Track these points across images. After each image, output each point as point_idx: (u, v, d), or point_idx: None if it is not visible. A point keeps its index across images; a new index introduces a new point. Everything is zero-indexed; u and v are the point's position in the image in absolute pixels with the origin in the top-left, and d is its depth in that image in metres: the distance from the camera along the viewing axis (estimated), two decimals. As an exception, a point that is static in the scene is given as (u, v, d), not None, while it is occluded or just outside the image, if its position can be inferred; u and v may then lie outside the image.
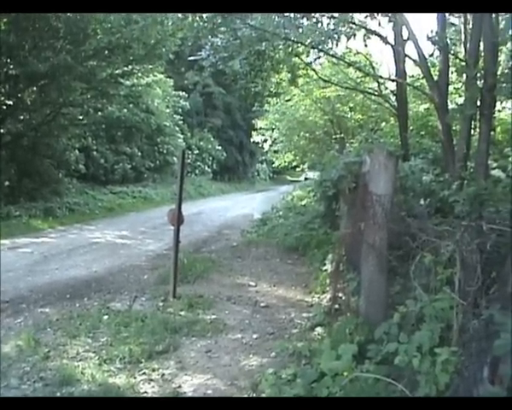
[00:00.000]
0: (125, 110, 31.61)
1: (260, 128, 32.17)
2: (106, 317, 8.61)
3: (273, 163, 39.18)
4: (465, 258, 4.43)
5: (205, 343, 7.62)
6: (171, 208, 10.34)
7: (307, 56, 19.53)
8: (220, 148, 50.37)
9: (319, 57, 19.71)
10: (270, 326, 8.48)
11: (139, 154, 35.23)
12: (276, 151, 33.21)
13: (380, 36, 15.81)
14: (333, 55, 18.45)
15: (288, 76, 21.03)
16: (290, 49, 17.09)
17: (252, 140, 38.04)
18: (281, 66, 19.50)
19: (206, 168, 48.72)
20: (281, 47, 16.77)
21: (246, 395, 5.89)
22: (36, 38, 19.32)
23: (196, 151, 46.95)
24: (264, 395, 5.73)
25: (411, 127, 19.63)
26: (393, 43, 15.88)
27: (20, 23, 18.39)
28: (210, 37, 15.33)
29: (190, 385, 6.29)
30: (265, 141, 32.79)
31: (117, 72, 22.49)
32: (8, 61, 19.58)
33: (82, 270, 12.58)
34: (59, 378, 6.26)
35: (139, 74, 25.24)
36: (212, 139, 49.73)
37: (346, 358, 5.28)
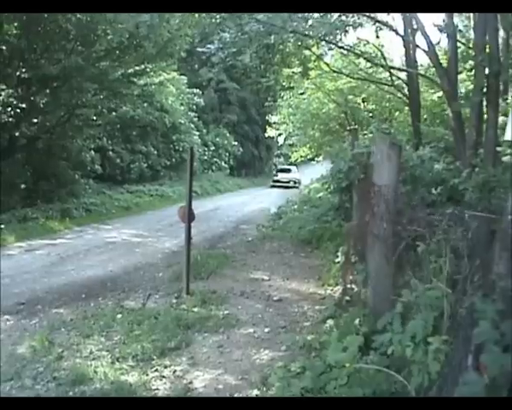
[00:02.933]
0: (139, 109, 31.68)
1: (274, 122, 32.20)
2: (119, 315, 8.66)
3: (289, 157, 39.12)
4: (453, 246, 4.43)
5: (217, 339, 7.67)
6: (181, 206, 10.36)
7: (318, 49, 19.52)
8: (236, 143, 50.42)
9: (331, 49, 19.70)
10: (282, 320, 8.51)
11: (155, 152, 35.32)
12: (291, 145, 33.20)
13: (390, 27, 15.79)
14: (342, 47, 18.43)
15: (299, 69, 20.98)
16: (300, 42, 17.08)
17: (266, 135, 38.09)
18: (291, 59, 19.48)
19: (223, 164, 48.79)
20: (290, 40, 16.75)
21: (256, 390, 5.92)
22: (47, 40, 19.39)
23: (212, 147, 47.01)
24: (273, 389, 5.76)
25: (425, 116, 19.56)
26: (403, 33, 15.84)
27: (31, 26, 18.47)
28: (218, 32, 15.36)
29: (201, 381, 6.34)
30: (280, 135, 32.81)
31: (129, 71, 22.50)
32: (21, 64, 19.70)
33: (98, 270, 12.64)
34: (72, 378, 6.32)
35: (151, 73, 25.25)
36: (227, 135, 49.76)
37: (352, 349, 5.29)
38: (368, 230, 6.34)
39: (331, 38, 15.53)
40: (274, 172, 54.88)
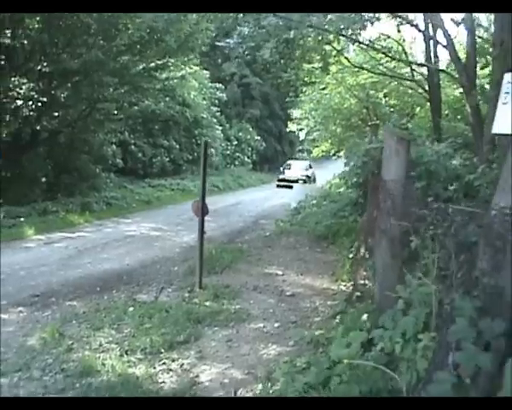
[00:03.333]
0: (161, 104, 31.78)
1: (296, 117, 32.19)
2: (131, 309, 8.70)
3: (311, 152, 39.05)
4: (441, 241, 4.39)
5: (226, 333, 7.67)
6: (195, 200, 10.34)
7: (338, 44, 19.42)
8: (259, 138, 50.45)
9: (353, 43, 19.57)
10: (293, 315, 8.49)
11: (177, 146, 35.45)
12: (312, 140, 33.15)
13: (410, 22, 15.68)
14: (361, 42, 18.31)
15: (319, 64, 20.90)
16: (320, 36, 17.00)
17: (288, 130, 38.12)
18: (311, 54, 19.40)
19: (246, 159, 48.85)
20: (310, 35, 16.69)
21: (260, 384, 5.91)
22: (68, 35, 19.48)
23: (235, 142, 47.12)
24: (278, 384, 5.75)
25: (446, 112, 19.41)
26: (423, 29, 15.73)
27: (53, 21, 18.56)
28: (236, 26, 15.35)
29: (208, 375, 6.35)
30: (301, 130, 32.76)
31: (150, 66, 22.54)
32: (42, 58, 19.83)
33: (114, 263, 12.70)
34: (79, 370, 6.36)
35: (173, 67, 25.31)
36: (250, 130, 49.81)
37: (355, 345, 5.25)
38: (376, 225, 6.30)
39: (350, 32, 15.46)
40: (281, 169, 45.58)
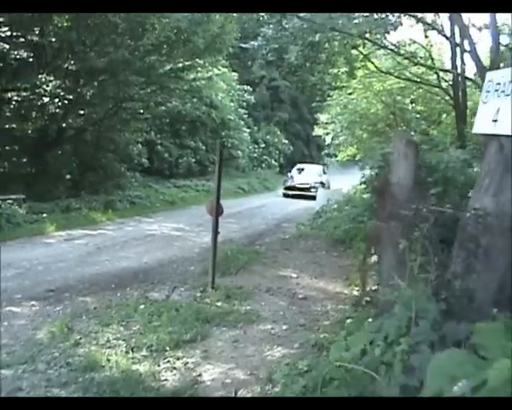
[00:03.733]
0: (188, 104, 31.92)
1: (322, 122, 32.17)
2: (142, 306, 8.73)
3: (336, 156, 38.79)
4: (422, 243, 4.35)
5: (234, 334, 7.67)
6: (210, 200, 10.38)
7: (364, 48, 19.33)
8: (287, 141, 50.37)
9: (379, 47, 19.46)
10: (303, 318, 8.47)
11: (203, 147, 35.57)
12: (338, 145, 33.04)
13: (434, 27, 15.57)
14: (384, 47, 18.23)
15: (345, 68, 20.85)
16: (346, 40, 16.96)
17: (314, 133, 38.06)
18: (337, 58, 19.36)
19: (273, 162, 48.82)
20: (336, 38, 16.66)
21: (261, 386, 5.90)
22: (96, 33, 19.66)
23: (263, 145, 47.13)
24: (278, 385, 5.73)
25: (473, 119, 19.23)
26: (449, 35, 15.63)
27: (81, 19, 18.75)
28: (260, 28, 15.38)
29: (211, 374, 6.35)
30: (328, 134, 32.69)
31: (177, 66, 22.66)
32: (69, 56, 20.03)
33: (132, 261, 12.78)
34: (84, 364, 6.40)
35: (199, 68, 25.40)
36: (278, 133, 49.77)
37: (354, 349, 5.21)
38: (383, 230, 6.25)
39: (375, 36, 15.40)
40: (288, 175, 38.30)
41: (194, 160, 34.41)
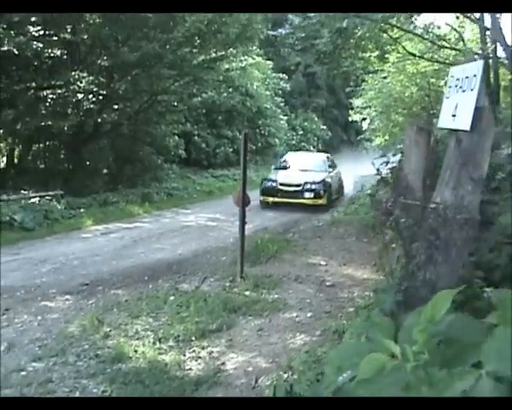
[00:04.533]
0: (224, 94, 32.09)
1: (357, 107, 32.02)
2: (172, 297, 8.91)
3: (372, 141, 38.42)
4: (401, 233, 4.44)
5: (259, 322, 7.82)
6: (237, 190, 10.53)
7: (392, 31, 19.19)
8: (325, 127, 50.19)
9: (407, 32, 19.29)
10: (328, 305, 8.57)
11: (240, 137, 35.54)
12: (374, 130, 32.87)
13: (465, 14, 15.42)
14: (409, 31, 18.10)
15: (376, 53, 20.74)
16: (374, 25, 16.91)
17: (350, 119, 37.87)
18: (367, 43, 19.28)
19: (311, 148, 48.66)
20: (364, 23, 16.60)
21: (281, 373, 6.04)
22: (128, 29, 19.90)
23: (301, 132, 47.03)
24: (296, 372, 5.88)
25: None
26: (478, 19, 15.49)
27: (112, 15, 18.99)
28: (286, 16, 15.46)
29: (234, 363, 6.52)
30: (364, 119, 32.55)
31: (209, 57, 22.83)
32: (102, 52, 20.37)
33: (167, 253, 12.99)
34: (112, 356, 6.61)
35: (232, 58, 25.54)
36: (316, 119, 49.60)
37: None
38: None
39: (402, 21, 15.32)
40: (272, 168, 25.60)
41: (231, 149, 34.50)
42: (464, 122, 3.48)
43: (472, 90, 3.54)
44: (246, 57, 29.15)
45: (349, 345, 1.92)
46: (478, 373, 1.40)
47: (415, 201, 5.16)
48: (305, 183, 21.11)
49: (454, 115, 3.76)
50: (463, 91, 3.71)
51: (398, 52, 21.99)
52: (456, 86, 3.91)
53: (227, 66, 26.28)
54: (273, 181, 21.67)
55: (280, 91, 41.85)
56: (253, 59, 32.99)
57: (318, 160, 24.75)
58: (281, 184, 21.30)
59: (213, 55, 22.98)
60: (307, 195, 20.99)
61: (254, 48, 27.54)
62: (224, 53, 23.29)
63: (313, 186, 21.00)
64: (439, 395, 1.40)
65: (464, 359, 1.48)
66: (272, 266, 11.01)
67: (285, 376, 5.84)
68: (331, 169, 23.88)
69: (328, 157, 25.65)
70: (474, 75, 3.58)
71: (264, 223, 16.36)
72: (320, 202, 20.67)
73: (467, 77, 3.69)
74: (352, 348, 1.85)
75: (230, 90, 32.84)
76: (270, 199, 21.10)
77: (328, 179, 22.04)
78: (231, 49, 23.55)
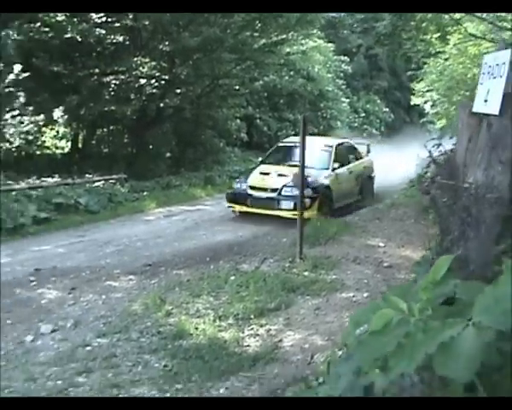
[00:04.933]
0: (285, 78, 32.14)
1: (419, 90, 31.59)
2: (232, 277, 9.10)
3: (435, 124, 37.79)
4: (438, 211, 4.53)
5: (316, 302, 7.97)
6: (296, 172, 10.65)
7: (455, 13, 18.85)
8: (387, 110, 49.72)
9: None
10: (385, 285, 8.61)
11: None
12: (436, 113, 32.37)
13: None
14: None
15: (437, 35, 20.42)
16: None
17: (412, 103, 37.42)
18: (428, 25, 19.02)
19: (374, 131, 48.29)
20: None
21: (336, 350, 6.16)
22: (189, 13, 20.09)
23: (363, 114, 46.72)
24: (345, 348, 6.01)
25: None
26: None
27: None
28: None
29: (291, 340, 6.71)
30: (426, 102, 32.13)
31: (270, 41, 22.91)
32: (163, 37, 20.69)
33: (228, 235, 13.23)
34: (174, 333, 6.89)
35: (293, 41, 25.57)
36: (378, 101, 49.17)
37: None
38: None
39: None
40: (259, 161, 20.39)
41: (293, 132, 34.50)
42: (494, 107, 3.63)
43: (501, 76, 3.68)
44: (307, 40, 29.06)
45: (369, 306, 2.07)
46: (466, 323, 1.57)
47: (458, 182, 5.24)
48: (284, 187, 14.87)
49: (486, 100, 3.91)
50: (494, 78, 3.85)
51: (460, 33, 21.61)
52: (488, 73, 4.05)
53: (288, 49, 26.34)
54: (244, 182, 15.87)
55: (341, 74, 41.59)
56: (315, 42, 32.88)
57: (319, 151, 17.07)
58: (251, 188, 15.27)
59: (274, 38, 23.00)
60: (285, 204, 14.61)
61: (315, 31, 27.46)
62: (284, 37, 23.29)
63: (295, 192, 13.21)
64: (430, 339, 1.58)
65: (462, 315, 1.64)
66: (331, 248, 11.08)
67: (339, 353, 5.97)
68: (342, 163, 17.04)
69: (340, 145, 18.07)
70: (504, 63, 3.71)
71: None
72: (306, 214, 12.09)
73: (497, 64, 3.83)
74: (370, 307, 2.01)
75: (292, 73, 32.81)
76: (238, 207, 15.42)
77: (326, 181, 15.65)
78: (292, 32, 23.54)
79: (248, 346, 6.57)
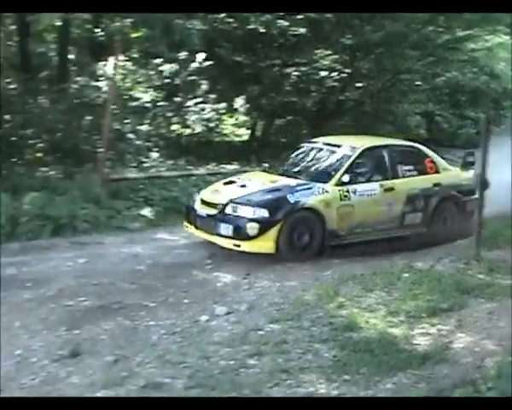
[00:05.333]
0: (468, 74, 31.21)
1: None
2: (405, 274, 9.06)
3: None
4: None
5: (490, 306, 7.78)
6: (478, 173, 10.43)
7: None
8: None
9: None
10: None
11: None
12: None
13: None
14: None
15: None
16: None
17: None
18: None
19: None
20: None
21: (507, 356, 6.06)
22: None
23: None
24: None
25: None
26: None
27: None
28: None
29: (461, 342, 6.60)
30: None
31: (454, 37, 22.40)
32: (345, 31, 20.80)
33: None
34: (345, 324, 6.98)
35: (477, 38, 24.79)
36: None
37: None
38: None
39: None
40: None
41: (474, 131, 33.48)
42: None
43: None
44: (492, 36, 28.03)
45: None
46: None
47: None
48: (230, 202, 10.28)
49: None
50: None
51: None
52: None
53: (472, 45, 25.57)
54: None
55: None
56: (501, 38, 31.64)
57: (329, 156, 11.69)
58: (202, 202, 10.89)
59: (459, 34, 22.46)
60: (223, 229, 10.09)
61: (501, 27, 26.41)
62: (469, 33, 22.68)
63: (242, 211, 10.06)
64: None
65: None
66: (510, 252, 10.75)
67: (510, 359, 5.87)
68: (372, 175, 11.54)
69: (374, 149, 12.01)
70: None
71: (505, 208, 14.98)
72: (248, 247, 9.90)
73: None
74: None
75: (475, 70, 31.79)
76: (190, 228, 11.06)
77: (309, 200, 10.41)
78: (477, 28, 22.83)
79: (418, 344, 6.54)
